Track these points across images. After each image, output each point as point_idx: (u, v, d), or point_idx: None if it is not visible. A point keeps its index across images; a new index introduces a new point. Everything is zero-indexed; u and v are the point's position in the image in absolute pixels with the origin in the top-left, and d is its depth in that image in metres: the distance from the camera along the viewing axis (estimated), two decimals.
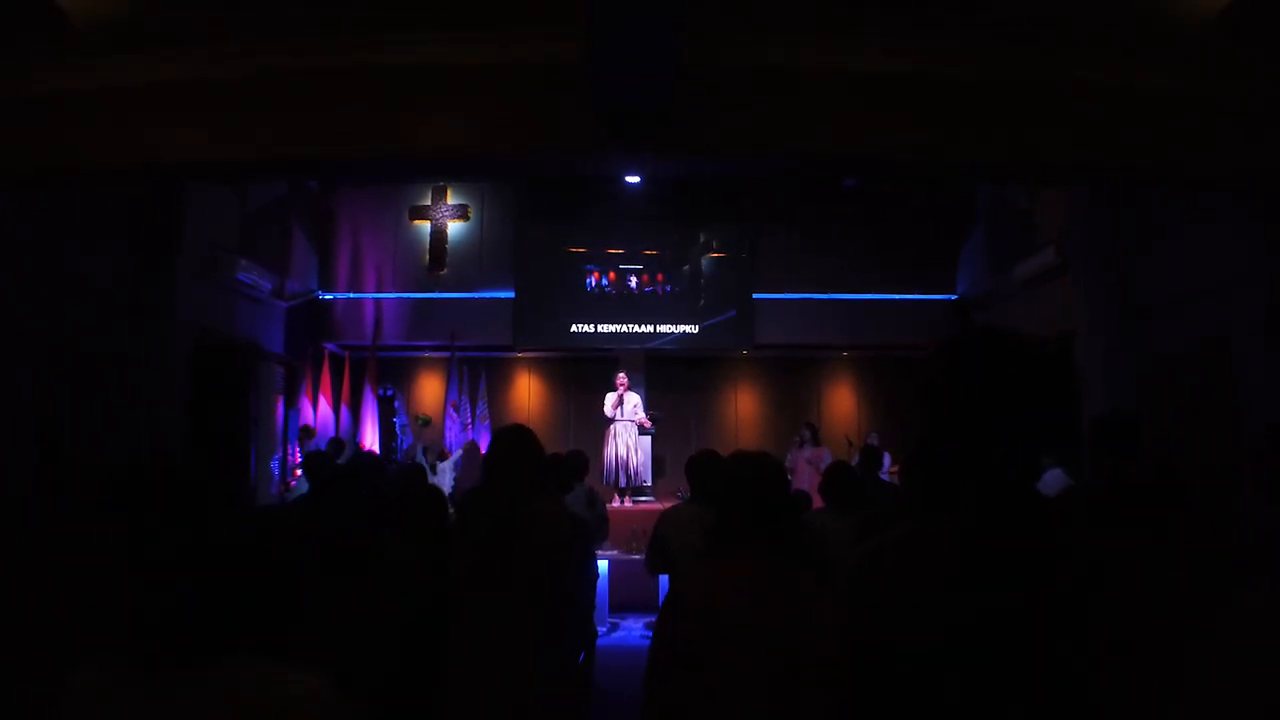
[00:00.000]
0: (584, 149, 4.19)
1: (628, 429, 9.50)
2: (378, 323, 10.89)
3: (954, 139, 4.46)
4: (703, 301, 10.97)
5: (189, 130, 4.37)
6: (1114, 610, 1.00)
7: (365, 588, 2.21)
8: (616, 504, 9.05)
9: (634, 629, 7.27)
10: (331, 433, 10.06)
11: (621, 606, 7.53)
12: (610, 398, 9.58)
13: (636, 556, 7.45)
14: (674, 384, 11.50)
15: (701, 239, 11.03)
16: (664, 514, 4.02)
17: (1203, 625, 1.03)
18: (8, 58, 4.03)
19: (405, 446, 10.90)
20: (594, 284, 11.01)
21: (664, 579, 4.24)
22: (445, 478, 9.17)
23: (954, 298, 10.99)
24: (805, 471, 8.90)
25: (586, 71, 3.63)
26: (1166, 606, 1.06)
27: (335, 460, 3.57)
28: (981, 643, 0.94)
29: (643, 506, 9.12)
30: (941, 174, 6.84)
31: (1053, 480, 5.15)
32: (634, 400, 9.68)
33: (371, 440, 10.36)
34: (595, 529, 5.51)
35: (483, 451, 10.30)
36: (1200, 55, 4.30)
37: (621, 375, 9.81)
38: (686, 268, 11.04)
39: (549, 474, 3.34)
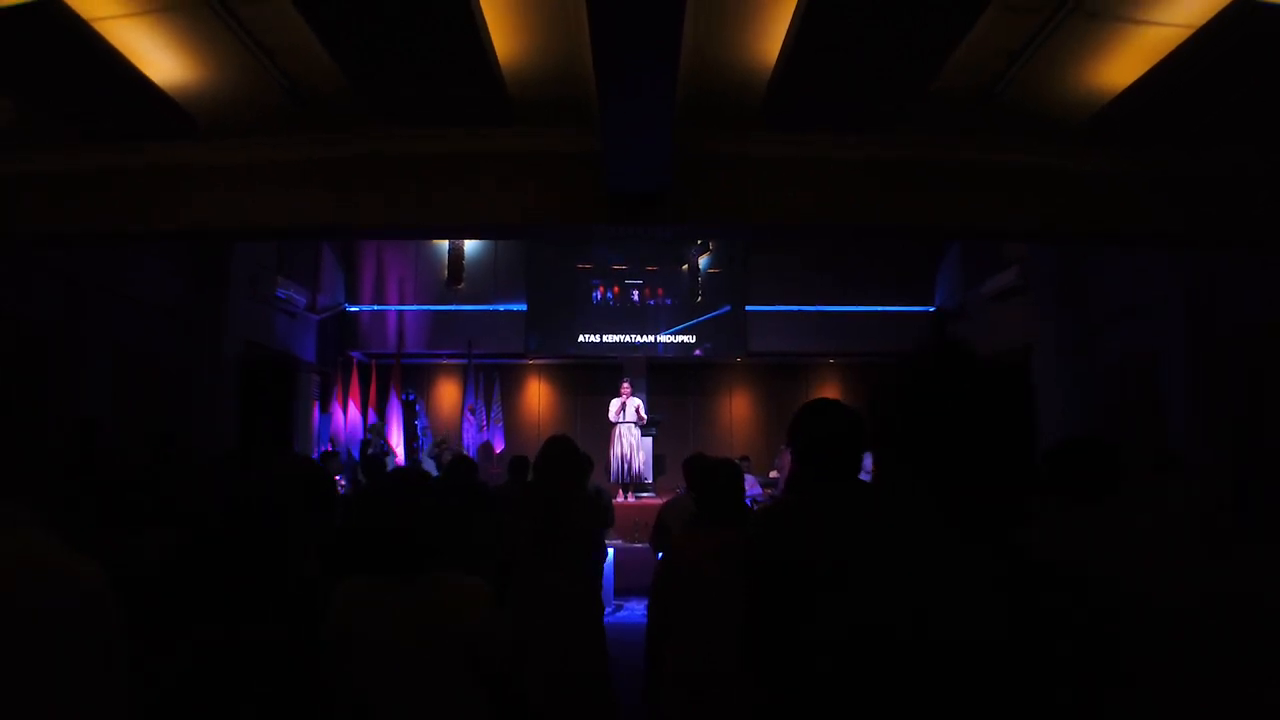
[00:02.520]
0: (599, 221, 5.13)
1: (630, 431, 10.45)
2: (400, 333, 11.84)
3: (922, 210, 5.44)
4: (700, 299, 11.87)
5: (292, 202, 5.35)
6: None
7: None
8: (620, 499, 9.92)
9: (636, 610, 8.06)
10: (359, 434, 11.00)
11: (625, 590, 8.36)
12: (614, 404, 10.53)
13: (639, 546, 8.34)
14: (674, 388, 12.41)
15: (699, 241, 11.84)
16: (665, 504, 5.03)
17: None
18: (126, 141, 4.97)
19: (426, 447, 11.78)
20: (600, 297, 11.94)
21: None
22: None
23: (932, 309, 11.91)
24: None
25: (601, 161, 4.55)
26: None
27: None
28: (825, 566, 1.84)
29: (644, 501, 9.99)
30: (905, 235, 7.83)
31: None
32: (635, 404, 10.63)
33: (397, 441, 11.26)
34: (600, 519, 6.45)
35: (496, 452, 11.28)
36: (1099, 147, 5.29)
37: (625, 383, 10.73)
38: (685, 266, 11.91)
39: (584, 471, 4.35)
